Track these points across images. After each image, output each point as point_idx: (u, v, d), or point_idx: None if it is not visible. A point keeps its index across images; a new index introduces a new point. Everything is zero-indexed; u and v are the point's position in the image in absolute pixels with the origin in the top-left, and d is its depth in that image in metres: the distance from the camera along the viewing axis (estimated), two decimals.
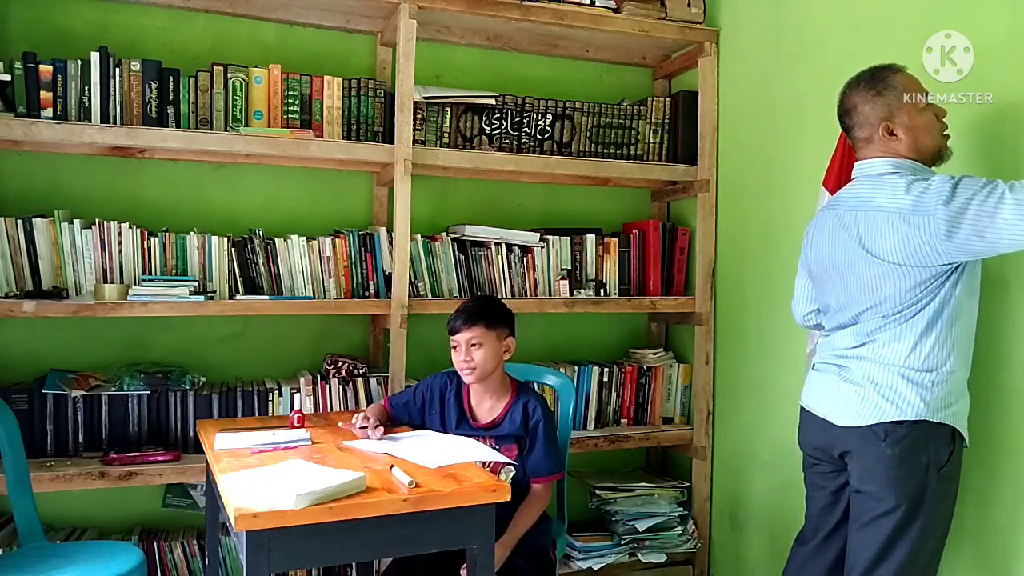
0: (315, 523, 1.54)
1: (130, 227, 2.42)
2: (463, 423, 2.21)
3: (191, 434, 2.46)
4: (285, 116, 2.55)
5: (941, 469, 1.74)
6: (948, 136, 1.86)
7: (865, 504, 1.81)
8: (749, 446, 2.80)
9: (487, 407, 2.22)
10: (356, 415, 2.17)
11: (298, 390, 2.53)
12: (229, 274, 2.50)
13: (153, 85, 2.41)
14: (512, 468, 2.12)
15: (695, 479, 2.98)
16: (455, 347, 2.15)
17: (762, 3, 2.77)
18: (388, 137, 2.63)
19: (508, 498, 1.71)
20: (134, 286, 2.34)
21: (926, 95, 1.85)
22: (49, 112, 2.31)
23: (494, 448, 2.13)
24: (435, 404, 2.24)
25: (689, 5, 2.93)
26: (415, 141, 2.62)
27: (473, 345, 2.13)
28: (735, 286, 2.89)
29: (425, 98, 2.68)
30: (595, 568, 2.75)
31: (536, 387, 2.48)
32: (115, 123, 2.37)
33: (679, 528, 2.89)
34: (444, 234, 2.80)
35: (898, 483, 1.74)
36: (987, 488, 1.96)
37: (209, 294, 2.45)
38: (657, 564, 2.86)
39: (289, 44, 2.79)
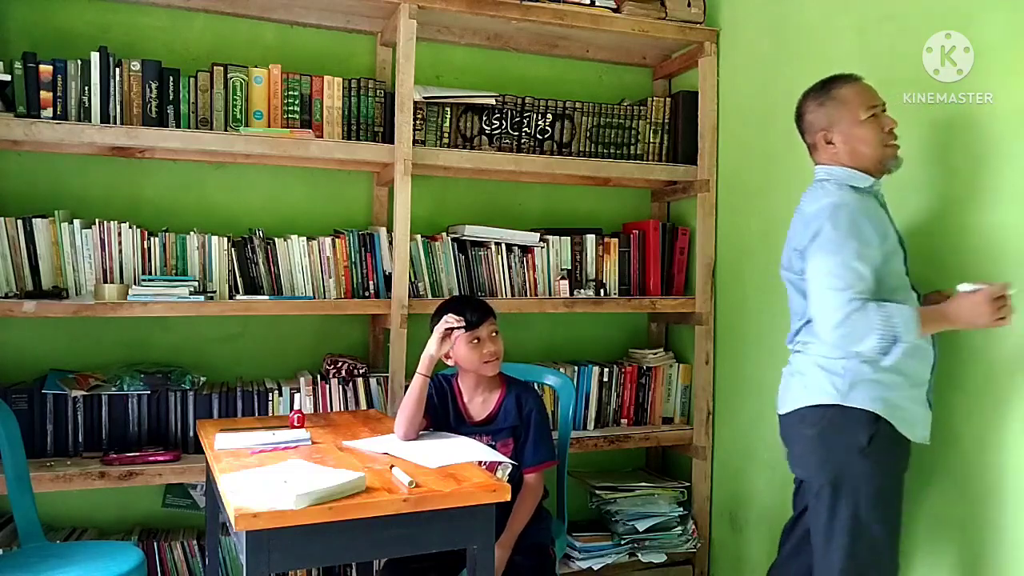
0: (315, 523, 1.54)
1: (130, 227, 2.42)
2: (461, 423, 2.22)
3: (191, 434, 2.46)
4: (285, 116, 2.55)
5: (864, 450, 1.82)
6: (894, 146, 1.90)
7: (806, 490, 1.96)
8: (749, 446, 2.80)
9: (479, 402, 2.22)
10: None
11: (298, 390, 2.53)
12: (229, 274, 2.50)
13: (153, 85, 2.41)
14: (509, 466, 2.12)
15: (695, 479, 2.98)
16: (475, 341, 2.13)
17: (762, 3, 2.77)
18: (388, 137, 2.63)
19: (508, 498, 1.71)
20: (134, 286, 2.34)
21: (877, 107, 1.89)
22: (49, 112, 2.31)
23: (491, 444, 2.14)
24: (438, 408, 2.24)
25: (689, 5, 2.93)
26: (415, 141, 2.62)
27: (493, 335, 2.16)
28: (735, 286, 2.89)
29: (425, 98, 2.68)
30: (595, 568, 2.75)
31: (536, 387, 2.47)
32: (115, 123, 2.37)
33: (679, 528, 2.89)
34: (444, 234, 2.80)
35: (819, 464, 1.87)
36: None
37: (209, 294, 2.45)
38: (657, 564, 2.86)
39: (289, 44, 2.79)
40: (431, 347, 2.07)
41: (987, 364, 1.97)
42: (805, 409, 1.90)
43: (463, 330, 2.11)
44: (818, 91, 1.96)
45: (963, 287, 1.73)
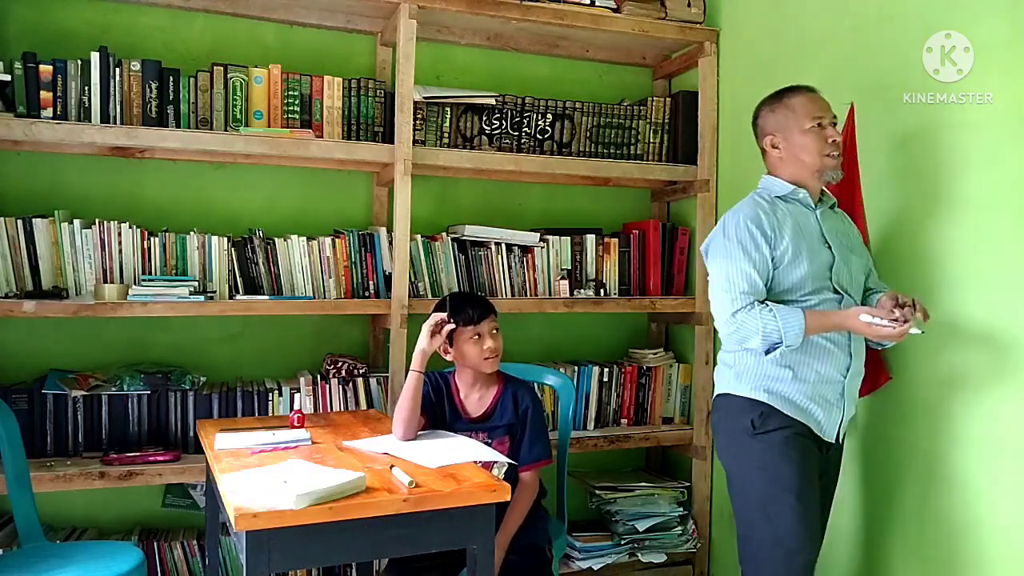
0: (315, 523, 1.54)
1: (130, 227, 2.42)
2: (457, 419, 2.22)
3: (191, 434, 2.46)
4: (285, 116, 2.55)
5: (752, 433, 1.95)
6: (833, 157, 1.99)
7: None
8: None
9: (476, 398, 2.23)
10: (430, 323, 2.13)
11: (298, 390, 2.53)
12: (229, 274, 2.50)
13: (153, 85, 2.41)
14: (505, 464, 2.12)
15: (695, 479, 2.98)
16: (476, 337, 2.15)
17: (762, 3, 2.77)
18: (388, 137, 2.63)
19: (508, 498, 1.72)
20: (134, 286, 2.34)
21: (822, 118, 1.98)
22: (49, 112, 2.31)
23: (486, 442, 2.14)
24: (435, 405, 2.24)
25: (689, 5, 2.93)
26: (415, 141, 2.62)
27: (493, 332, 2.17)
28: None
29: (425, 98, 2.68)
30: (595, 568, 2.75)
31: (536, 387, 2.48)
32: (115, 123, 2.37)
33: (679, 528, 2.89)
34: (444, 234, 2.80)
35: (722, 448, 2.07)
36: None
37: (209, 294, 2.45)
38: (657, 564, 2.86)
39: (289, 44, 2.79)
40: (422, 342, 2.10)
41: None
42: (715, 400, 2.11)
43: (453, 325, 2.13)
44: (773, 98, 2.07)
45: (864, 317, 1.81)
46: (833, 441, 2.01)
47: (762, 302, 1.90)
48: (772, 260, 1.93)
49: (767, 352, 1.89)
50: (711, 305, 2.00)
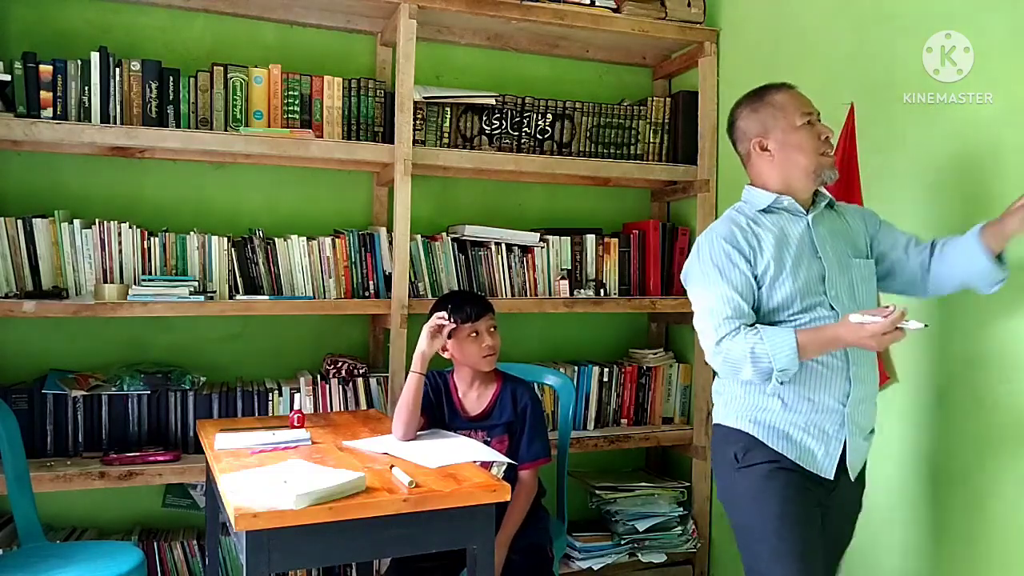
0: (315, 523, 1.54)
1: (130, 227, 2.42)
2: (456, 418, 2.23)
3: (191, 434, 2.46)
4: (285, 116, 2.55)
5: (736, 466, 1.82)
6: (828, 156, 1.82)
7: None
8: None
9: (474, 397, 2.24)
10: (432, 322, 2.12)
11: (298, 390, 2.53)
12: (229, 274, 2.50)
13: (153, 85, 2.41)
14: (504, 463, 2.12)
15: (695, 479, 2.98)
16: (475, 335, 2.16)
17: (762, 3, 2.77)
18: (388, 137, 2.63)
19: (508, 498, 1.72)
20: (134, 286, 2.34)
21: (812, 114, 1.83)
22: (49, 112, 2.31)
23: (486, 441, 2.15)
24: (434, 405, 2.24)
25: (689, 5, 2.93)
26: (415, 141, 2.62)
27: (491, 330, 2.18)
28: None
29: (425, 98, 2.68)
30: (595, 568, 2.75)
31: (536, 387, 2.48)
32: (115, 123, 2.37)
33: (679, 528, 2.89)
34: (444, 234, 2.80)
35: (716, 477, 1.96)
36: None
37: (209, 294, 2.45)
38: (657, 564, 2.86)
39: (289, 44, 2.79)
40: (422, 344, 2.10)
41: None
42: (713, 428, 1.97)
43: (453, 325, 2.13)
44: (752, 98, 1.89)
45: (854, 317, 1.61)
46: (832, 478, 1.78)
47: (751, 325, 1.72)
48: (755, 278, 1.76)
49: (765, 381, 1.71)
50: (698, 337, 1.83)
